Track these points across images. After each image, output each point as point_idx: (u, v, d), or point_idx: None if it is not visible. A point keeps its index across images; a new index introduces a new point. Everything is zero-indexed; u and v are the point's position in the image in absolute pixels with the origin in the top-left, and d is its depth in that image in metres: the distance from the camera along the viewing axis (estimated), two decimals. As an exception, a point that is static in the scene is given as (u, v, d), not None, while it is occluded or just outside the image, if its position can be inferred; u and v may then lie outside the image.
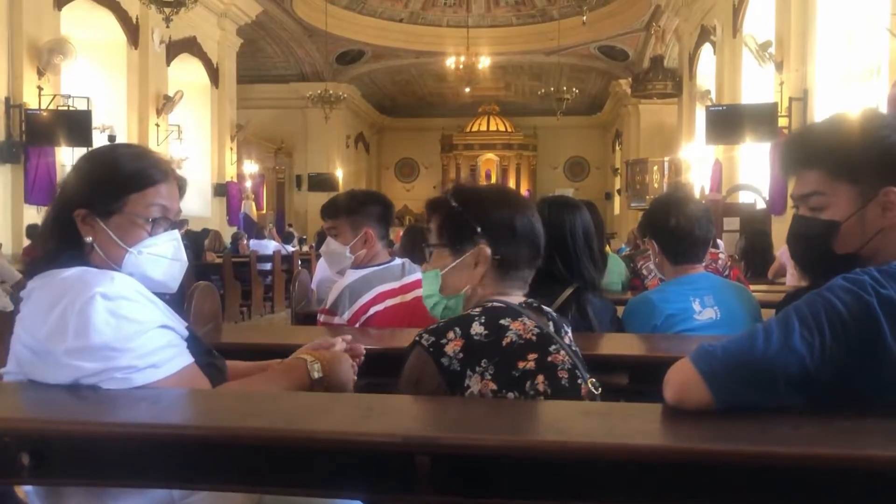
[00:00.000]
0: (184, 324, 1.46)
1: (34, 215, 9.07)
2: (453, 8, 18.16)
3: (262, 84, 19.16)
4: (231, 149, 15.46)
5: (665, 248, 2.33)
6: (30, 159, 9.30)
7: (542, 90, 17.72)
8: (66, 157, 10.19)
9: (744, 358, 1.16)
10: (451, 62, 16.99)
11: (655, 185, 14.59)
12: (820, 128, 1.38)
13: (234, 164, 15.56)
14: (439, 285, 1.56)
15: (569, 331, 1.56)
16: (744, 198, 10.81)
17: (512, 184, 24.97)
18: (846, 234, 1.28)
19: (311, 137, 20.48)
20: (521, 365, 1.39)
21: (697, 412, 1.16)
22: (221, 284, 8.99)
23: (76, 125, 9.45)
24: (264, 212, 18.78)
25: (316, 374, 1.50)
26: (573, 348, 1.50)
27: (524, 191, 24.84)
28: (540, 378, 1.39)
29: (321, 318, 2.53)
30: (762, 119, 9.25)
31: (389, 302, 2.50)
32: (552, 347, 1.44)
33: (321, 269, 3.48)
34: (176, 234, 1.50)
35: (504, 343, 1.40)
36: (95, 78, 11.41)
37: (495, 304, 1.48)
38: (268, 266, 10.65)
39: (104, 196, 1.43)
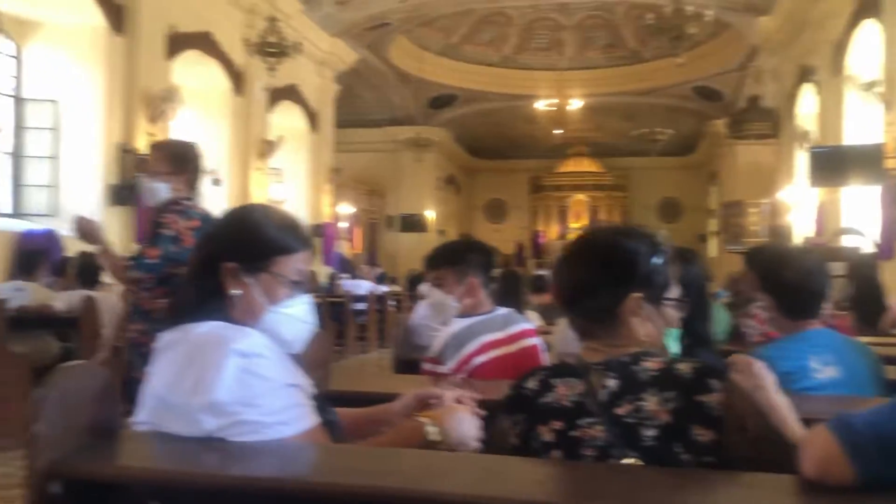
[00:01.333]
0: (310, 382, 1.49)
1: (143, 255, 9.51)
2: (545, 52, 18.29)
3: (358, 128, 19.68)
4: (328, 191, 15.90)
5: (780, 303, 2.24)
6: (140, 201, 9.79)
7: (635, 131, 17.55)
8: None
9: (893, 432, 1.09)
10: (541, 105, 17.08)
11: (753, 228, 14.16)
12: None
13: (330, 206, 15.98)
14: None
15: (648, 400, 1.34)
16: (847, 241, 10.36)
17: (603, 225, 24.71)
18: None
19: (403, 179, 20.84)
20: (542, 431, 1.37)
21: (837, 487, 1.10)
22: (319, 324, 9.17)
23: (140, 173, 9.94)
24: (357, 252, 19.15)
25: (431, 437, 1.48)
26: (628, 420, 1.33)
27: (615, 232, 24.48)
28: (555, 454, 1.35)
29: (426, 366, 2.54)
30: (869, 161, 8.89)
31: (493, 353, 2.50)
32: (584, 421, 1.35)
33: (418, 313, 3.51)
34: (309, 298, 1.56)
35: (540, 402, 1.40)
36: (201, 124, 11.98)
37: (568, 361, 1.47)
38: (361, 306, 10.81)
39: (256, 254, 1.50)
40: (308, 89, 14.86)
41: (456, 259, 2.68)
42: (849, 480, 1.09)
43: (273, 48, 10.03)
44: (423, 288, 3.68)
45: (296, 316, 1.51)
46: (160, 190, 3.21)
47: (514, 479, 1.21)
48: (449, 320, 2.63)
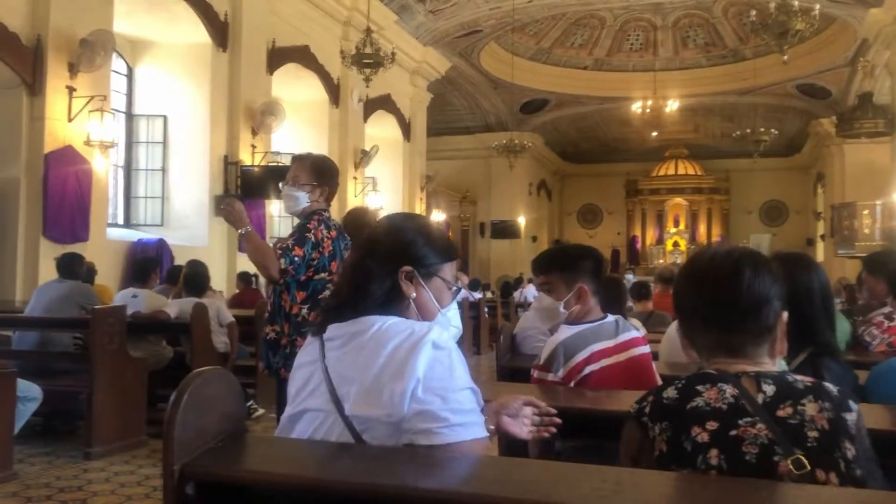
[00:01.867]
0: (481, 393, 1.47)
1: (245, 263, 9.83)
2: (639, 52, 17.97)
3: (450, 136, 19.81)
4: (421, 199, 16.07)
5: (916, 309, 2.11)
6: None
7: (737, 132, 17.00)
8: (275, 209, 11.06)
9: None
10: (636, 107, 16.76)
11: (866, 231, 13.47)
12: None
13: (423, 213, 16.14)
14: None
15: (808, 406, 1.34)
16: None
17: (703, 229, 24.04)
18: None
19: (494, 185, 20.85)
20: (694, 432, 1.33)
21: None
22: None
23: (280, 182, 10.20)
24: (450, 259, 19.22)
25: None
26: (791, 422, 1.32)
27: (716, 236, 23.81)
28: (713, 452, 1.31)
29: (535, 373, 2.50)
30: None
31: (605, 361, 2.43)
32: (743, 420, 1.33)
33: (526, 321, 3.47)
34: (456, 304, 1.59)
35: (688, 407, 1.37)
36: (300, 135, 12.32)
37: (709, 371, 1.43)
38: (456, 313, 10.83)
39: (431, 259, 1.56)
40: (401, 99, 15.06)
41: (567, 264, 2.62)
42: None
43: (369, 59, 10.20)
44: (530, 292, 3.64)
45: (453, 319, 1.54)
46: (300, 199, 3.35)
47: (642, 491, 1.17)
48: (557, 327, 2.59)
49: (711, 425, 1.33)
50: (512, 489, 1.15)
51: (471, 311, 11.26)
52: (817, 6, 9.32)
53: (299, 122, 12.31)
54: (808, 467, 1.26)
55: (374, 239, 1.59)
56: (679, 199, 24.19)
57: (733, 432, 1.32)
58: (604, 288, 4.37)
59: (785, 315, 1.46)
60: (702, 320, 1.48)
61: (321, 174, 3.42)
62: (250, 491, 1.28)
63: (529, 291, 13.45)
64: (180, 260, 8.23)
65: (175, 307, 5.63)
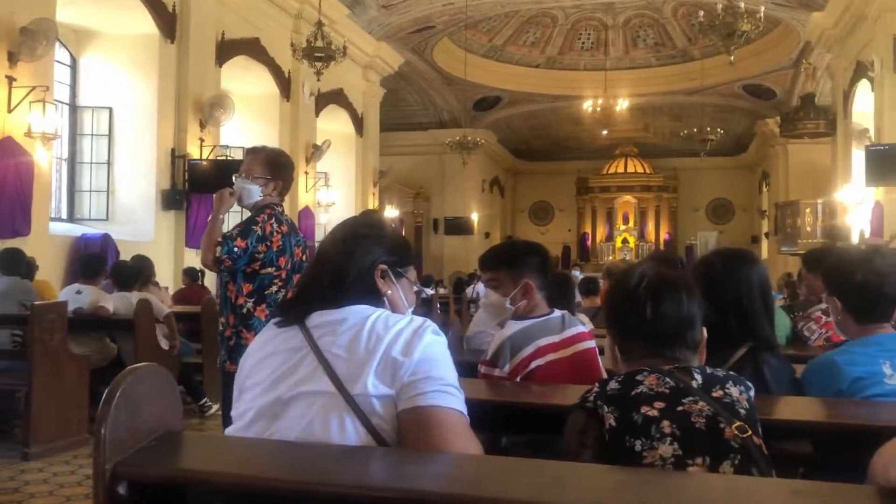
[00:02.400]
0: None
1: (194, 258, 9.67)
2: (591, 52, 18.14)
3: (403, 132, 19.75)
4: (373, 194, 15.99)
5: (849, 305, 2.16)
6: (191, 206, 9.96)
7: (684, 131, 17.29)
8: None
9: None
10: (587, 105, 16.92)
11: (808, 229, 13.80)
12: None
13: (375, 209, 16.05)
14: None
15: (734, 387, 1.58)
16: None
17: (651, 226, 24.41)
18: None
19: (448, 182, 20.86)
20: (643, 409, 1.50)
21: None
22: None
23: (233, 173, 10.02)
24: (402, 255, 19.17)
25: None
26: (727, 400, 1.54)
27: (664, 234, 24.20)
28: (665, 423, 1.48)
29: (482, 369, 2.51)
30: (931, 158, 8.62)
31: (551, 356, 2.45)
32: (686, 399, 1.52)
33: (478, 318, 3.47)
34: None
35: (632, 393, 1.53)
36: (251, 129, 12.14)
37: (643, 368, 1.60)
38: (408, 309, 10.82)
39: (403, 260, 1.67)
40: (354, 93, 14.96)
41: (512, 261, 2.63)
42: None
43: (320, 53, 10.10)
44: (482, 288, 3.65)
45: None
46: (253, 192, 3.29)
47: (582, 484, 1.18)
48: (504, 323, 2.60)
49: (658, 405, 1.50)
50: (448, 484, 1.15)
51: (423, 308, 11.26)
52: (762, 8, 9.53)
53: (249, 116, 12.13)
54: (749, 431, 1.48)
55: (355, 236, 1.64)
56: (628, 197, 24.52)
57: (680, 408, 1.50)
58: (553, 284, 4.41)
59: (705, 330, 1.69)
60: (644, 338, 1.65)
61: (275, 168, 3.35)
62: (186, 491, 1.25)
63: (481, 287, 13.47)
64: (126, 255, 8.06)
65: (117, 302, 5.51)
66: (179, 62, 10.00)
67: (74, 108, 9.78)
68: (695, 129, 16.61)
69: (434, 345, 1.47)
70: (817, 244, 12.57)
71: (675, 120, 20.56)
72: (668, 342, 1.63)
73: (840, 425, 1.89)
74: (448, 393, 1.42)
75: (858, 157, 11.41)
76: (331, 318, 1.50)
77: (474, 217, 21.28)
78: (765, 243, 20.64)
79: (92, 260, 6.26)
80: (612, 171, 24.63)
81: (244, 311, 3.18)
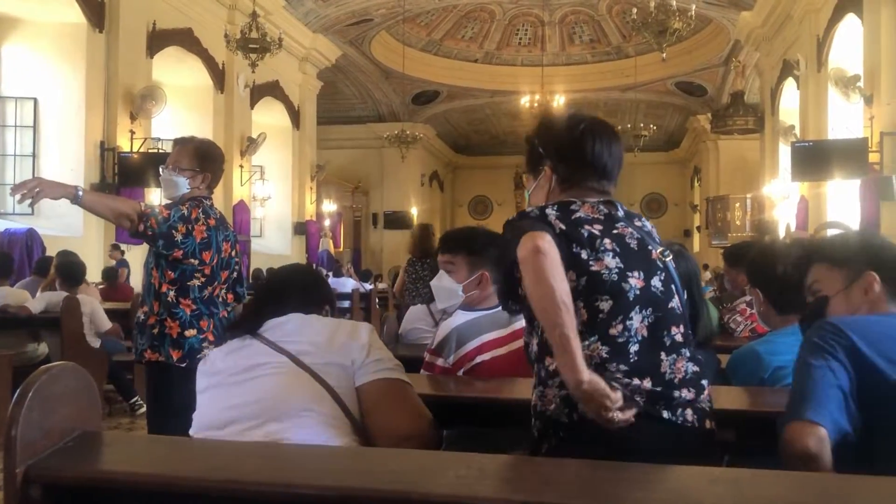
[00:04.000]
0: None
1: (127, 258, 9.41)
2: (528, 47, 18.28)
3: (341, 125, 19.58)
4: (311, 188, 15.82)
5: (771, 297, 2.23)
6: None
7: (619, 127, 17.54)
8: (155, 198, 10.58)
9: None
10: (525, 101, 17.04)
11: (738, 223, 14.22)
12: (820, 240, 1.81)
13: (313, 204, 15.90)
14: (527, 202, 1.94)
15: (646, 222, 1.87)
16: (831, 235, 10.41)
17: (587, 221, 24.73)
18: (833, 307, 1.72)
19: (387, 176, 20.78)
20: (586, 227, 1.71)
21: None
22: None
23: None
24: (341, 249, 19.06)
25: None
26: (644, 230, 1.81)
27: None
28: (607, 241, 1.70)
29: (426, 356, 2.49)
30: (851, 155, 8.94)
31: (496, 352, 2.42)
32: (618, 224, 1.76)
33: (412, 314, 3.45)
34: None
35: (572, 217, 1.73)
36: (183, 121, 11.86)
37: (570, 199, 1.80)
38: (346, 304, 10.75)
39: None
40: (290, 86, 14.77)
41: (474, 248, 2.58)
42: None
43: (254, 44, 9.93)
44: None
45: None
46: (180, 185, 3.15)
47: (507, 477, 1.18)
48: (453, 309, 2.57)
49: (597, 227, 1.72)
50: (373, 480, 1.14)
51: (361, 303, 11.20)
52: (693, 7, 9.76)
53: (182, 108, 11.85)
54: (670, 255, 1.78)
55: (313, 283, 2.11)
56: (566, 191, 24.80)
57: (615, 231, 1.74)
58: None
59: (547, 171, 1.89)
60: (592, 170, 1.84)
61: (204, 159, 3.22)
62: (103, 492, 1.22)
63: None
64: (52, 251, 7.80)
65: (42, 301, 5.32)
66: (109, 52, 9.71)
67: (-4, 99, 9.42)
68: (629, 125, 16.92)
69: (374, 335, 1.85)
70: (746, 237, 12.96)
71: (611, 116, 20.86)
72: (610, 176, 1.86)
73: (762, 413, 1.95)
74: (402, 372, 1.83)
75: (785, 152, 11.78)
76: (281, 321, 1.87)
77: (414, 211, 21.24)
78: (697, 236, 21.16)
79: (1, 259, 5.84)
80: (549, 165, 24.88)
81: (168, 298, 3.06)
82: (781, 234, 11.75)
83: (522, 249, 1.56)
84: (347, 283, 11.85)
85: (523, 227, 1.64)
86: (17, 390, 1.18)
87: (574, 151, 1.84)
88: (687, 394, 1.67)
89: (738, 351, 2.27)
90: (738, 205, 14.50)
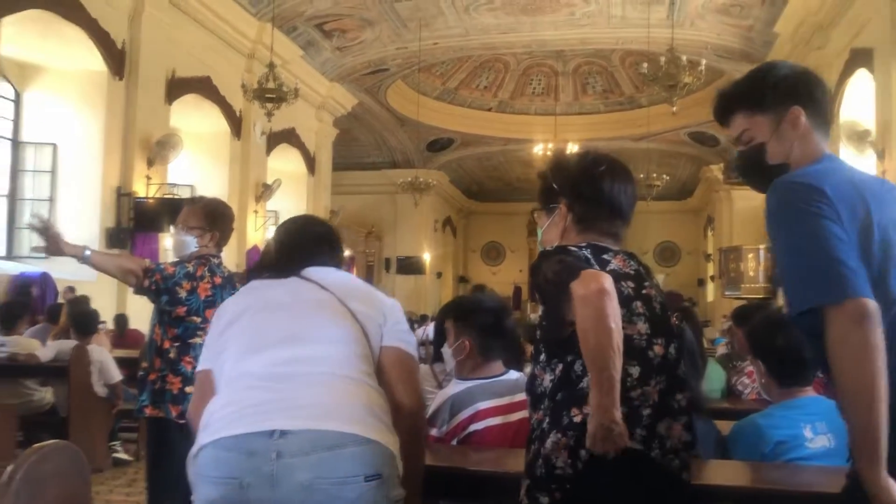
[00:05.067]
0: None
1: (138, 298, 9.44)
2: (541, 97, 18.48)
3: (356, 171, 19.77)
4: (325, 234, 15.88)
5: (772, 369, 2.21)
6: (136, 245, 9.77)
7: (631, 176, 17.62)
8: (170, 243, 10.66)
9: None
10: (538, 149, 17.17)
11: (751, 274, 14.12)
12: (730, 85, 1.73)
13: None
14: (540, 240, 1.96)
15: (653, 278, 1.87)
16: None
17: (600, 268, 24.68)
18: (772, 150, 1.64)
19: (400, 222, 20.89)
20: (623, 286, 1.70)
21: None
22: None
23: (180, 212, 9.86)
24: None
25: None
26: (659, 288, 1.83)
27: (612, 276, 24.47)
28: (639, 304, 1.71)
29: None
30: (865, 209, 8.91)
31: (491, 421, 2.35)
32: (646, 283, 1.77)
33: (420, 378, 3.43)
34: None
35: (607, 269, 1.71)
36: (200, 167, 12.03)
37: (598, 243, 1.80)
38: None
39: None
40: (306, 133, 14.95)
41: (459, 315, 2.56)
42: None
43: (271, 94, 10.09)
44: (429, 331, 3.53)
45: None
46: (189, 244, 3.24)
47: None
48: (449, 379, 2.55)
49: (630, 284, 1.73)
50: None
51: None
52: (704, 61, 9.84)
53: (199, 154, 12.02)
54: (682, 321, 1.84)
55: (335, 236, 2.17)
56: (579, 239, 24.80)
57: (644, 291, 1.75)
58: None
59: (562, 207, 1.91)
60: (607, 209, 1.86)
61: (213, 218, 3.30)
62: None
63: (432, 329, 13.42)
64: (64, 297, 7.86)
65: (53, 349, 5.34)
66: (128, 99, 9.87)
67: (16, 144, 9.58)
68: (641, 175, 16.96)
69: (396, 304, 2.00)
70: (760, 289, 12.87)
71: (624, 164, 20.96)
72: (625, 217, 1.89)
73: (762, 490, 1.92)
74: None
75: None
76: (323, 271, 1.99)
77: (426, 257, 21.30)
78: (710, 286, 21.04)
79: (12, 308, 5.81)
80: (562, 213, 24.92)
81: (170, 355, 3.10)
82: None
83: (583, 287, 1.56)
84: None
85: (577, 265, 1.65)
86: (8, 468, 1.19)
87: (591, 190, 1.85)
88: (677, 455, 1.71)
89: (739, 423, 2.25)
90: (751, 255, 14.41)
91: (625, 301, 1.67)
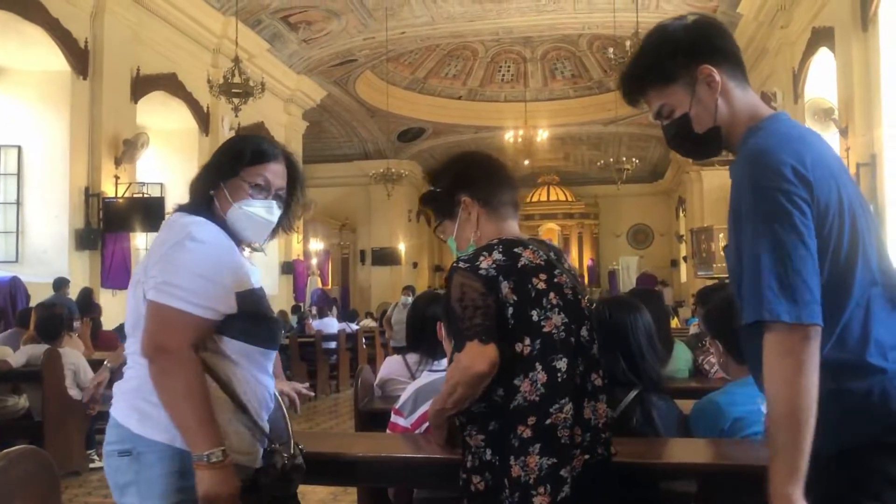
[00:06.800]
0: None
1: (110, 299, 9.40)
2: (511, 84, 18.51)
3: (327, 163, 19.70)
4: (297, 227, 15.84)
5: (729, 347, 2.27)
6: (106, 245, 9.68)
7: (602, 161, 17.75)
8: (141, 242, 10.59)
9: None
10: (509, 136, 17.23)
11: (721, 254, 14.28)
12: (631, 65, 1.69)
13: (300, 243, 15.92)
14: (455, 247, 1.95)
15: (566, 258, 1.94)
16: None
17: (574, 252, 24.87)
18: (697, 117, 1.56)
19: (374, 213, 20.87)
20: (534, 282, 1.73)
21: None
22: (288, 364, 9.10)
23: (150, 211, 9.78)
24: (329, 287, 19.06)
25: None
26: (571, 272, 1.88)
27: (587, 259, 24.68)
28: (552, 295, 1.74)
29: (392, 416, 2.52)
30: (829, 185, 9.04)
31: None
32: (556, 272, 1.80)
33: (388, 366, 3.47)
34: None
35: (518, 265, 1.75)
36: (169, 164, 11.93)
37: (508, 237, 1.83)
38: (332, 345, 10.74)
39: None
40: (275, 127, 14.87)
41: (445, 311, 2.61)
42: None
43: (237, 89, 10.03)
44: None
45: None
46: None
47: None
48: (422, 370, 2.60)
49: (543, 276, 1.76)
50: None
51: (348, 343, 11.18)
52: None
53: (167, 151, 11.92)
54: (592, 304, 1.91)
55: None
56: (552, 224, 24.95)
57: (556, 280, 1.78)
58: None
59: (466, 199, 1.95)
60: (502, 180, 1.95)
61: None
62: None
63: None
64: (38, 298, 7.78)
65: (24, 354, 5.30)
66: (93, 98, 9.76)
67: (-20, 147, 9.46)
68: (611, 160, 17.09)
69: (181, 251, 1.74)
70: (714, 284, 13.02)
71: (595, 149, 21.10)
72: (515, 185, 1.99)
73: (722, 465, 1.98)
74: (168, 293, 1.69)
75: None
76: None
77: (401, 247, 21.31)
78: (683, 267, 21.25)
79: None
80: (535, 199, 25.04)
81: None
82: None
83: (467, 359, 1.69)
84: (333, 325, 11.83)
85: (470, 324, 1.71)
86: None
87: (481, 170, 1.95)
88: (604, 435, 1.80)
89: (699, 403, 2.31)
90: (721, 235, 14.56)
91: (537, 298, 1.72)
